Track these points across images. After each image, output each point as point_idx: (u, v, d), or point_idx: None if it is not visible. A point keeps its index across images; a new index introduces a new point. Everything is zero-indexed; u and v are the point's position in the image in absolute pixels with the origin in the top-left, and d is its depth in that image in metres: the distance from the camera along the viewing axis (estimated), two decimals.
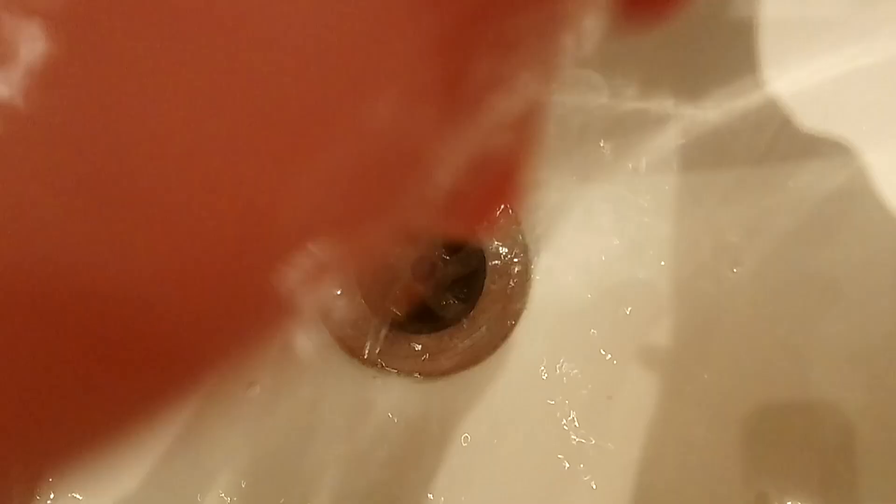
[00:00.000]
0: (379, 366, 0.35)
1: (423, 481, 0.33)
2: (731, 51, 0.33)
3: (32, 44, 0.06)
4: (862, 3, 0.30)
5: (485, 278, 0.36)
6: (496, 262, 0.36)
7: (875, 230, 0.32)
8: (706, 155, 0.35)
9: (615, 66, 0.34)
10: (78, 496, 0.30)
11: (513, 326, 0.36)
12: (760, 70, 0.33)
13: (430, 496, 0.33)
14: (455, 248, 0.38)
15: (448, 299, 0.37)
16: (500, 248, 0.37)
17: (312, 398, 0.34)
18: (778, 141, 0.34)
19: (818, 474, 0.29)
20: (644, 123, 0.35)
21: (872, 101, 0.32)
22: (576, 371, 0.34)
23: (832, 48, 0.32)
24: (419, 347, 0.35)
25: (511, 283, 0.36)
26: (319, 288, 0.09)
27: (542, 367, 0.34)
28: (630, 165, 0.36)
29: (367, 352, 0.35)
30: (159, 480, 0.31)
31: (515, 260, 0.36)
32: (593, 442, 0.33)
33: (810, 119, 0.33)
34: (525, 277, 0.36)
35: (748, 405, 0.31)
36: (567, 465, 0.32)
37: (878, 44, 0.31)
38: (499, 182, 0.12)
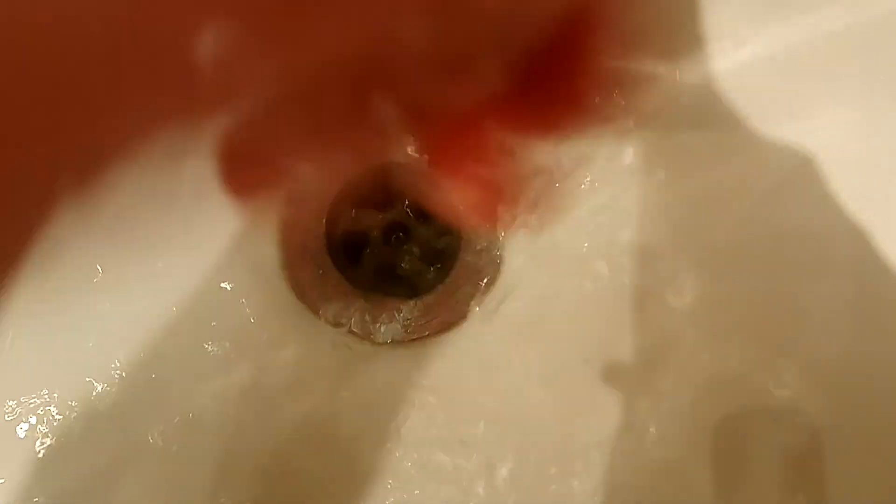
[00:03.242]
0: (347, 330, 0.35)
1: (389, 445, 0.33)
2: (711, 13, 0.32)
3: None
4: None
5: (459, 244, 0.36)
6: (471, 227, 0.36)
7: (851, 192, 0.32)
8: (685, 117, 0.35)
9: None
10: None
11: (485, 295, 0.35)
12: (739, 32, 0.32)
13: (397, 458, 0.33)
14: (428, 215, 0.37)
15: (421, 266, 0.37)
16: None
17: (281, 363, 0.34)
18: (754, 104, 0.33)
19: (786, 484, 0.30)
20: (624, 84, 0.34)
21: (851, 63, 0.32)
22: (545, 344, 0.34)
23: (811, 9, 0.31)
24: (389, 313, 0.35)
25: (486, 247, 0.36)
26: None
27: (512, 338, 0.35)
28: (608, 127, 0.35)
29: (335, 317, 0.35)
30: None
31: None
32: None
33: (789, 81, 0.33)
34: (501, 239, 0.36)
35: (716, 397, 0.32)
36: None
37: (850, 7, 0.30)
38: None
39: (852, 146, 0.31)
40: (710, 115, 0.33)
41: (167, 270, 0.33)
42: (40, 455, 0.30)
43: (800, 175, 0.32)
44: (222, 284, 0.33)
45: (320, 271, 0.35)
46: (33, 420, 0.30)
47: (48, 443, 0.30)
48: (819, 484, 0.30)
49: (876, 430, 0.30)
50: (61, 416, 0.31)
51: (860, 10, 0.30)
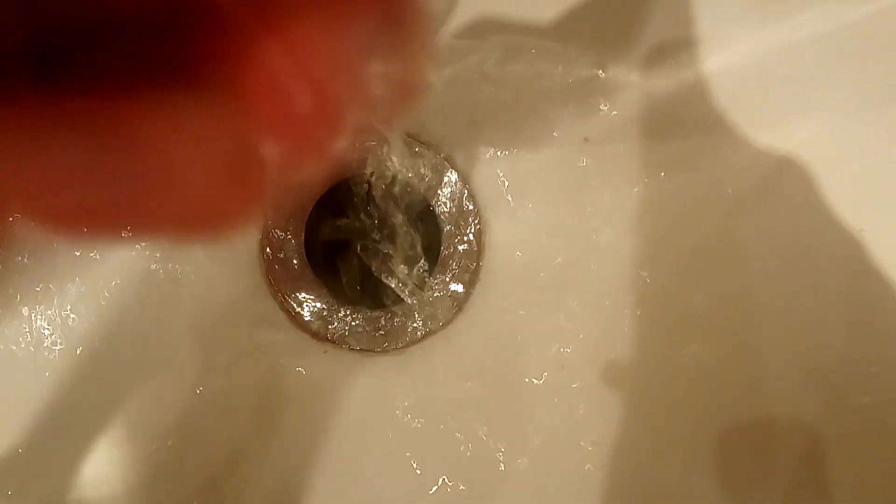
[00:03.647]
0: (331, 341, 0.35)
1: (372, 452, 0.33)
2: (682, 21, 0.33)
3: None
4: None
5: (439, 251, 0.36)
6: (450, 233, 0.36)
7: (830, 195, 0.32)
8: (657, 124, 0.35)
9: (570, 36, 0.34)
10: None
11: (465, 300, 0.36)
12: (711, 40, 0.32)
13: (380, 467, 0.33)
14: (409, 221, 0.37)
15: (401, 273, 0.37)
16: (454, 220, 0.36)
17: (266, 374, 0.34)
18: (728, 110, 0.34)
19: (786, 489, 0.30)
20: (597, 92, 0.35)
21: (820, 69, 0.33)
22: (526, 350, 0.34)
23: (781, 17, 0.31)
24: (370, 322, 0.35)
25: (464, 255, 0.36)
26: None
27: (493, 345, 0.35)
28: (583, 134, 0.36)
29: (319, 327, 0.35)
30: None
31: (469, 231, 0.36)
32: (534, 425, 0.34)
33: (759, 88, 0.33)
34: (478, 249, 0.36)
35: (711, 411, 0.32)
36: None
37: (825, 12, 0.31)
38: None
39: (829, 149, 0.31)
40: (688, 120, 0.33)
41: (147, 274, 0.33)
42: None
43: (778, 179, 0.32)
44: (203, 293, 0.33)
45: (300, 280, 0.35)
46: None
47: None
48: (821, 492, 0.30)
49: (874, 436, 0.31)
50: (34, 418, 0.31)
51: (836, 15, 0.30)
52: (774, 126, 0.31)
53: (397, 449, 0.34)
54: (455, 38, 0.34)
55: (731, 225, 0.33)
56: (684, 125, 0.34)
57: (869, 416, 0.30)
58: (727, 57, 0.32)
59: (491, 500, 0.34)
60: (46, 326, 0.31)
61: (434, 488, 0.34)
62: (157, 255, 0.33)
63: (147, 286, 0.33)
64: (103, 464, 0.31)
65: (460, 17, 0.34)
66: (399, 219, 0.38)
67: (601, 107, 0.35)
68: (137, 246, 0.32)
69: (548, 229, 0.36)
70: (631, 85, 0.34)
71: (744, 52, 0.31)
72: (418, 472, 0.34)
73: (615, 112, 0.35)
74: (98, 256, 0.32)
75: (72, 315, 0.32)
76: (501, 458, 0.34)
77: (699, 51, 0.32)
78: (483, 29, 0.34)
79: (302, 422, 0.34)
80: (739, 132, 0.33)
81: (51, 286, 0.32)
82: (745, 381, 0.31)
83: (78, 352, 0.32)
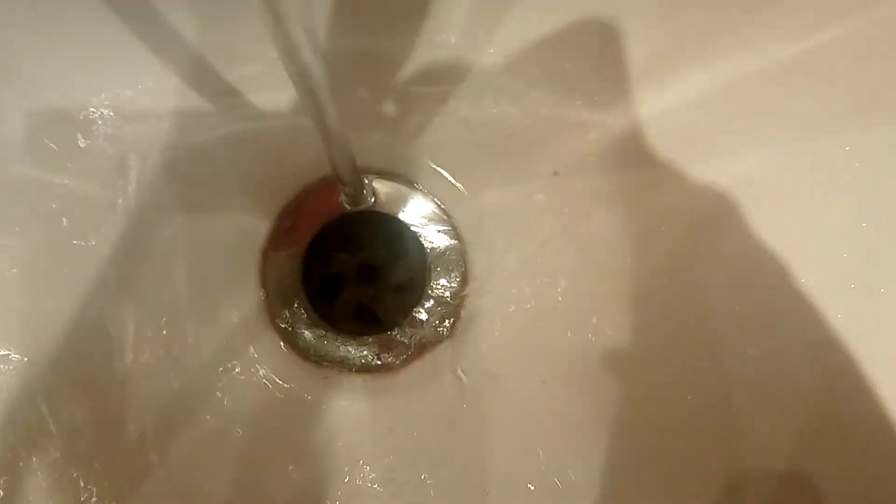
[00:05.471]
0: (328, 367, 0.38)
1: (368, 470, 0.36)
2: (633, 62, 0.34)
3: None
4: (746, 11, 0.31)
5: (426, 281, 0.39)
6: (436, 265, 0.39)
7: (770, 221, 0.33)
8: (616, 158, 0.37)
9: (534, 78, 0.36)
10: None
11: (452, 326, 0.38)
12: (663, 79, 0.34)
13: (375, 485, 0.36)
14: (398, 255, 0.41)
15: (391, 302, 0.40)
16: (439, 252, 0.39)
17: (266, 402, 0.37)
18: (680, 142, 0.35)
19: None
20: (561, 130, 0.37)
21: (760, 104, 0.33)
22: (510, 371, 0.37)
23: (725, 56, 0.33)
24: (365, 348, 0.38)
25: (450, 284, 0.39)
26: None
27: (475, 369, 0.37)
28: (550, 170, 0.38)
29: (315, 354, 0.38)
30: None
31: (453, 263, 0.39)
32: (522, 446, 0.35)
33: (709, 121, 0.34)
34: (462, 279, 0.39)
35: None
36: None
37: (765, 50, 0.32)
38: None
39: (768, 178, 0.32)
40: (638, 156, 0.35)
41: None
42: None
43: (723, 207, 0.33)
44: (204, 326, 0.37)
45: (298, 309, 0.39)
46: None
47: None
48: None
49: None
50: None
51: (769, 56, 0.31)
52: (720, 158, 0.33)
53: (389, 461, 0.36)
54: (428, 85, 0.37)
55: (689, 248, 0.34)
56: (638, 159, 0.35)
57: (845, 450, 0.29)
58: (673, 97, 0.33)
59: None
60: None
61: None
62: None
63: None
64: None
65: (432, 64, 0.37)
66: (388, 253, 0.41)
67: (565, 144, 0.37)
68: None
69: (526, 257, 0.39)
70: (591, 123, 0.36)
71: (688, 91, 0.33)
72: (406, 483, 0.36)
73: (577, 148, 0.37)
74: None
75: None
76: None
77: (648, 92, 0.34)
78: (456, 74, 0.37)
79: (307, 443, 0.37)
80: (688, 165, 0.34)
81: None
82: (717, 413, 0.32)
83: None
